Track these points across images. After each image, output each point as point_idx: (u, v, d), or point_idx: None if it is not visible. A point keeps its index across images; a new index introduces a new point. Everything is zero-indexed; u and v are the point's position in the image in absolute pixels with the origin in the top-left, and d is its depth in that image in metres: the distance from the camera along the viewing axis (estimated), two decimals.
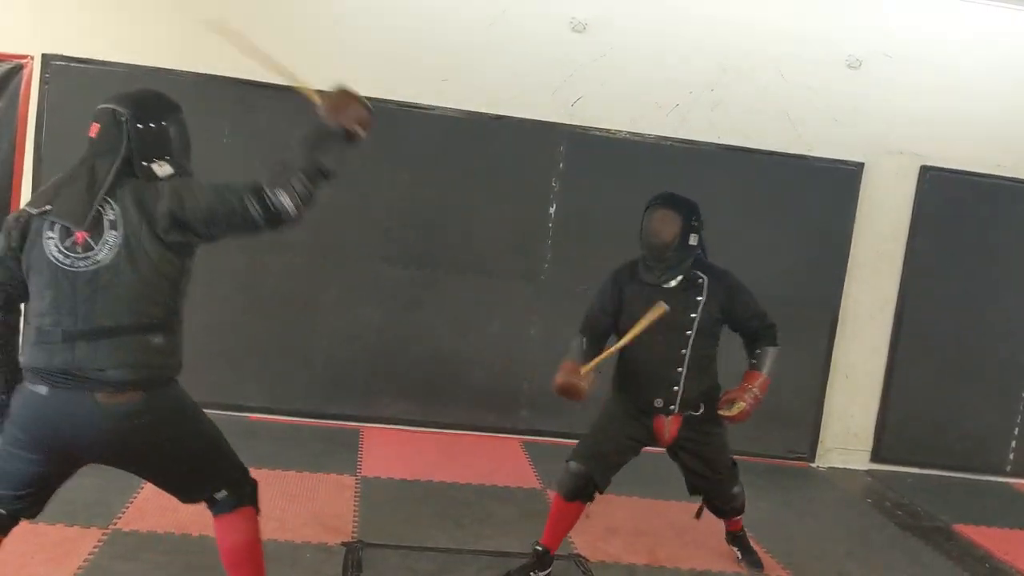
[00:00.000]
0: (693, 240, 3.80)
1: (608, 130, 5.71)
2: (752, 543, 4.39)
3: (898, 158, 5.99)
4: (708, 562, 4.31)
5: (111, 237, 2.53)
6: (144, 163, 2.63)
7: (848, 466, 6.15)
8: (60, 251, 2.52)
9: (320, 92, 2.75)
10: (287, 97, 5.33)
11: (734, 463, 4.12)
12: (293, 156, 2.56)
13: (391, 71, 5.46)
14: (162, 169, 2.66)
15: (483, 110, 5.56)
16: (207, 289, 5.45)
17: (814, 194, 5.93)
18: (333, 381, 5.63)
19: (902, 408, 6.16)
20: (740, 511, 4.23)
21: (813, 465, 6.12)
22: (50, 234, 2.54)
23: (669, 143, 5.74)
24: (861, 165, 5.94)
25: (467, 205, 5.62)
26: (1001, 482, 6.24)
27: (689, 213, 3.81)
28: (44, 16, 5.21)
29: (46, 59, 5.22)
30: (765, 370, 3.94)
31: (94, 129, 2.68)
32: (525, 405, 5.84)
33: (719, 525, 4.38)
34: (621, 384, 3.91)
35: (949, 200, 6.04)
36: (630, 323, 3.70)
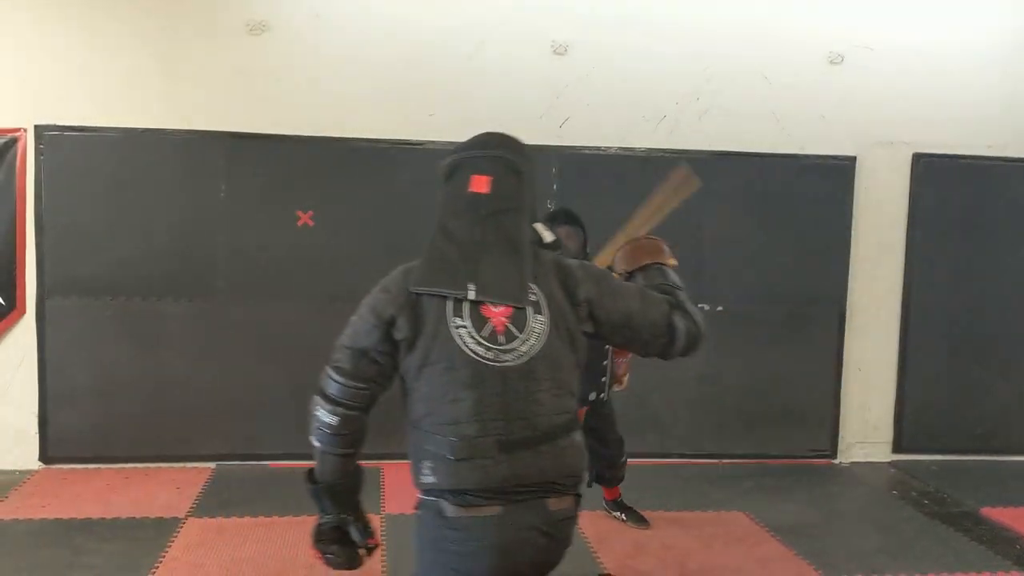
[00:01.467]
0: (588, 248, 4.24)
1: (599, 147, 5.75)
2: (779, 543, 4.39)
3: (889, 148, 6.01)
4: (740, 570, 4.29)
5: (537, 323, 2.04)
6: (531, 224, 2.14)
7: (871, 459, 6.14)
8: (478, 342, 2.02)
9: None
10: (277, 147, 5.47)
11: (621, 438, 4.64)
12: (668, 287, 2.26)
13: (377, 111, 5.52)
14: (547, 233, 2.20)
15: None
16: (214, 341, 5.52)
17: (810, 191, 5.95)
18: None
19: (918, 396, 6.15)
20: (623, 479, 4.74)
21: (836, 461, 6.10)
22: (459, 321, 2.03)
23: (660, 154, 5.77)
24: (853, 159, 5.96)
25: None
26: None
27: (582, 225, 4.24)
28: (34, 88, 5.28)
29: (39, 130, 5.28)
30: None
31: (482, 183, 2.11)
32: None
33: (747, 532, 4.37)
34: None
35: (944, 185, 6.06)
36: None
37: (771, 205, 5.90)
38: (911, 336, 6.12)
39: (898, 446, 6.18)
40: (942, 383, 6.16)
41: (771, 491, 5.41)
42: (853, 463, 6.10)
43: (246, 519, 4.69)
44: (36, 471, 5.38)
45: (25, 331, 5.37)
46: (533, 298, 2.06)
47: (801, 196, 5.94)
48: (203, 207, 5.46)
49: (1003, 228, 6.13)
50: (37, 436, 5.41)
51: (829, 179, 5.95)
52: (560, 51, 5.64)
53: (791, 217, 5.94)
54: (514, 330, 2.03)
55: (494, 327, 2.03)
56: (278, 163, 5.51)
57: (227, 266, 5.50)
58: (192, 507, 4.86)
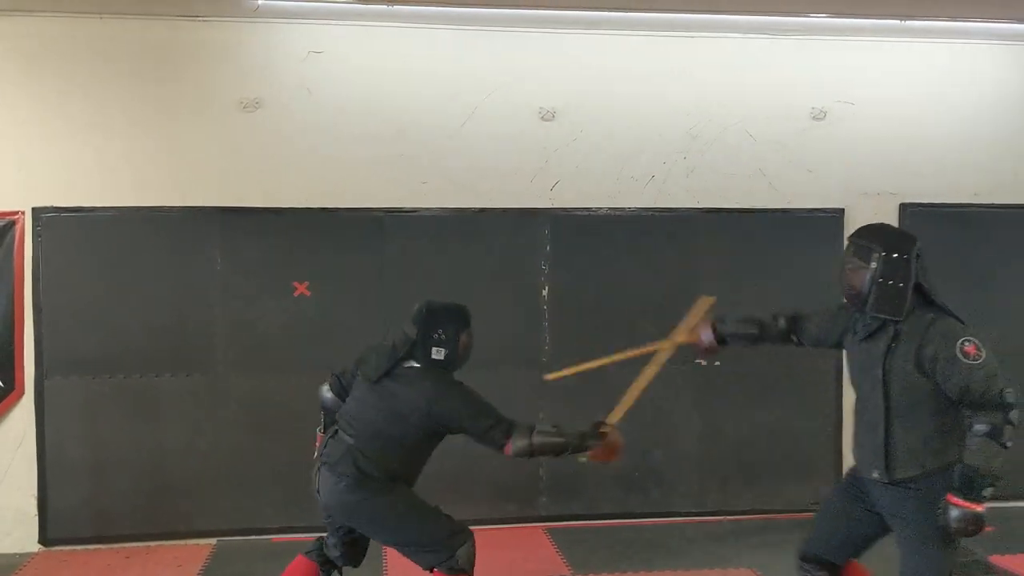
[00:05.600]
0: None
1: (589, 209, 5.83)
2: None
3: (876, 199, 6.09)
4: None
5: None
6: None
7: None
8: None
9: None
10: (272, 219, 5.53)
11: None
12: None
13: (370, 181, 5.60)
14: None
15: (465, 205, 5.69)
16: (213, 415, 5.52)
17: (799, 245, 6.01)
18: None
19: None
20: None
21: None
22: None
23: (650, 213, 5.86)
24: (841, 211, 6.04)
25: (461, 299, 5.69)
26: None
27: None
28: (31, 172, 5.35)
29: (36, 212, 5.35)
30: None
31: None
32: (543, 491, 5.81)
33: None
34: None
35: (932, 233, 6.04)
36: None
37: (761, 260, 5.96)
38: None
39: None
40: None
41: (777, 546, 5.35)
42: None
43: None
44: (36, 553, 5.33)
45: (24, 412, 5.37)
46: None
47: (791, 249, 6.00)
48: (199, 282, 5.51)
49: (993, 275, 6.17)
50: (36, 518, 5.38)
51: (818, 232, 6.02)
52: (548, 117, 5.76)
53: (781, 271, 5.98)
54: None
55: None
56: (273, 235, 5.57)
57: (224, 340, 5.52)
58: None
